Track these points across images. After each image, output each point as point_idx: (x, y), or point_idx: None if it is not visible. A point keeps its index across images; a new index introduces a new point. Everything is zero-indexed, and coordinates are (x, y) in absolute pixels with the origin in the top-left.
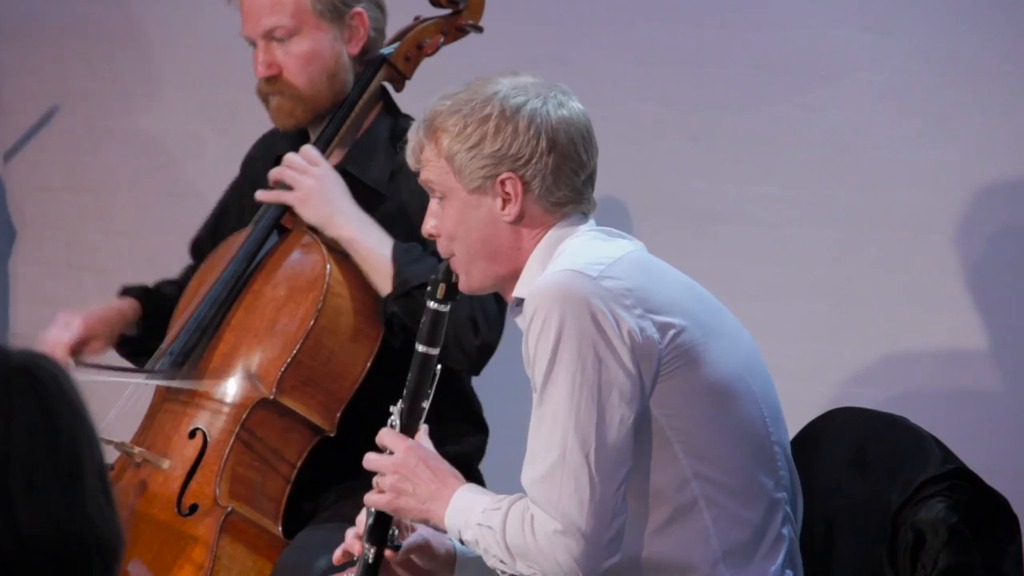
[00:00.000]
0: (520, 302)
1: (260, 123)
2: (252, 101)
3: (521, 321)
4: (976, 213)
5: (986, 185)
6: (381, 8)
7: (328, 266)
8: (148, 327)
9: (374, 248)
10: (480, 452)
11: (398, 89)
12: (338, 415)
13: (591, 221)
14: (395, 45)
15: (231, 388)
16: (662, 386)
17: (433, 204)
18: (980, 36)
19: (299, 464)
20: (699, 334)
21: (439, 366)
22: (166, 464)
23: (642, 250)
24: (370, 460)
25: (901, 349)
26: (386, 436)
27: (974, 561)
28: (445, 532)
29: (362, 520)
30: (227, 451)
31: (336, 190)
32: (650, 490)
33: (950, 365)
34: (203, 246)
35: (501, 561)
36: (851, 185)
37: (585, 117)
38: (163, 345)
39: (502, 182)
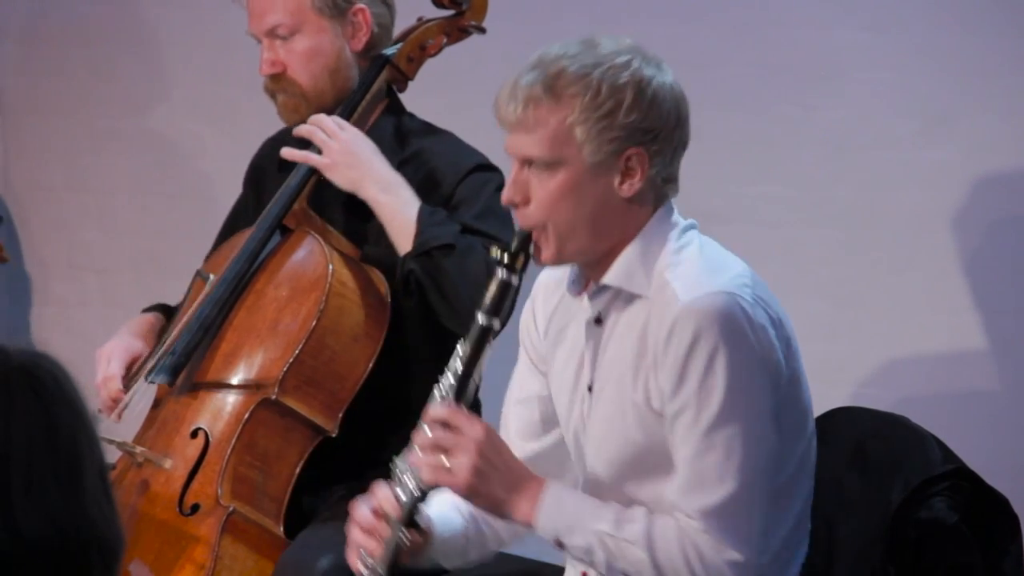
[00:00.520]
0: (603, 288)
1: (262, 123)
2: (254, 101)
3: (598, 304)
4: (976, 213)
5: (986, 185)
6: (387, 4)
7: (330, 266)
8: None
9: (400, 209)
10: None
11: (401, 90)
12: (340, 415)
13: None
14: (398, 46)
15: (233, 388)
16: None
17: (521, 171)
18: (980, 36)
19: (301, 464)
20: (795, 385)
21: (492, 346)
22: (168, 464)
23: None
24: (439, 435)
25: (901, 349)
26: (450, 412)
27: (974, 561)
28: (520, 524)
29: (389, 499)
30: (229, 451)
31: (365, 151)
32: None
33: (950, 365)
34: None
35: (627, 575)
36: (851, 185)
37: None
38: (166, 345)
39: (628, 157)
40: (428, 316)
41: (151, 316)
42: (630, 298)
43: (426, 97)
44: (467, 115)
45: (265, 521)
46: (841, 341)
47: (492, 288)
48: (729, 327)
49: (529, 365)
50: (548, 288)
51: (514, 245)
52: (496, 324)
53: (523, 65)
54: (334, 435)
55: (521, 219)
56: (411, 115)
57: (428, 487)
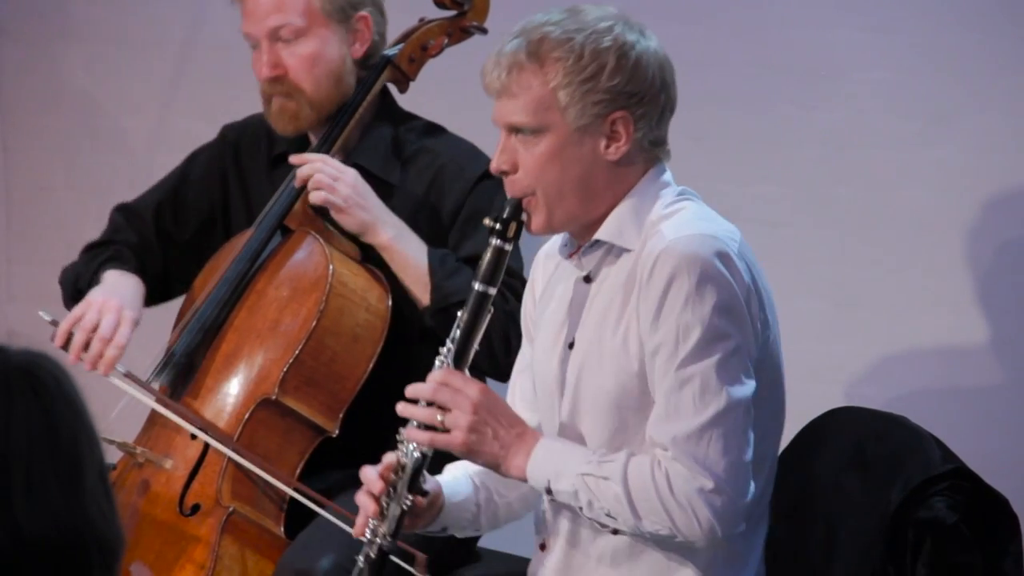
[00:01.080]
0: (595, 243)
1: None
2: (253, 101)
3: (588, 262)
4: (976, 212)
5: (986, 185)
6: (382, 13)
7: (331, 266)
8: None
9: (413, 257)
10: None
11: (402, 90)
12: (341, 416)
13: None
14: (399, 47)
15: (233, 388)
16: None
17: (508, 140)
18: (980, 36)
19: (301, 464)
20: (775, 333)
21: (490, 312)
22: (168, 464)
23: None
24: (437, 396)
25: (901, 349)
26: (451, 375)
27: (974, 560)
28: (516, 479)
29: (391, 463)
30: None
31: (369, 195)
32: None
33: (950, 365)
34: (163, 216)
35: (608, 515)
36: (851, 185)
37: None
38: (167, 346)
39: (613, 121)
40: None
41: (139, 282)
42: (620, 253)
43: (427, 98)
44: (468, 115)
45: (265, 521)
46: (841, 341)
47: (487, 256)
48: (708, 267)
49: (527, 333)
50: (547, 256)
51: (506, 212)
52: (492, 291)
53: (508, 34)
54: (335, 435)
55: (510, 187)
56: (412, 116)
57: (429, 449)
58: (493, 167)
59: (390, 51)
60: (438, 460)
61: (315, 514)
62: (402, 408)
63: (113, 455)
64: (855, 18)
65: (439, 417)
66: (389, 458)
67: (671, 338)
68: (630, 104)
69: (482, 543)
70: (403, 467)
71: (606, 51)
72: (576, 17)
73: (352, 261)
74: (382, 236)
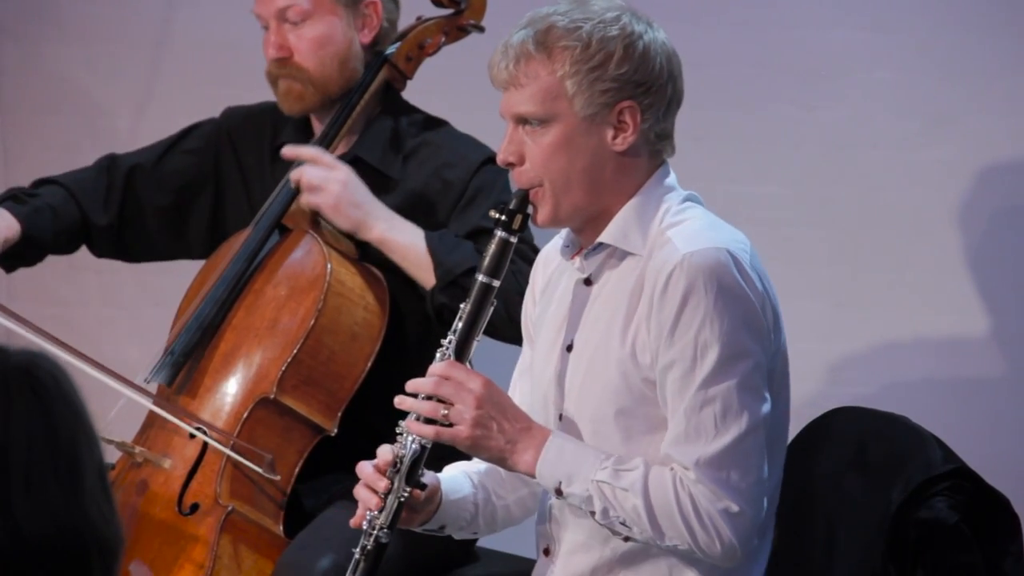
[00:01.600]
0: (599, 246)
1: None
2: (253, 100)
3: (590, 264)
4: (976, 212)
5: (986, 184)
6: (395, 2)
7: (329, 265)
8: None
9: (410, 244)
10: None
11: (399, 89)
12: (339, 414)
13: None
14: (397, 45)
15: (232, 387)
16: None
17: (516, 131)
18: (980, 36)
19: (300, 463)
20: (783, 341)
21: (493, 304)
22: (167, 464)
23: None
24: (439, 390)
25: (901, 348)
26: (452, 368)
27: (975, 560)
28: (524, 474)
29: (387, 458)
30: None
31: (361, 191)
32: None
33: (950, 364)
34: (138, 176)
35: (623, 524)
36: (851, 185)
37: None
38: (165, 344)
39: (620, 111)
40: (427, 315)
41: (13, 223)
42: (623, 256)
43: (424, 96)
44: (466, 114)
45: (264, 520)
46: (841, 341)
47: (492, 248)
48: (726, 281)
49: (527, 335)
50: (548, 257)
51: (512, 204)
52: (496, 284)
53: (515, 25)
54: (334, 434)
55: (517, 178)
56: (413, 110)
57: (429, 442)
58: (500, 159)
59: (387, 50)
60: (439, 459)
61: (315, 514)
62: (400, 401)
63: (111, 455)
64: (855, 18)
65: (443, 411)
66: (385, 450)
67: (688, 355)
68: (637, 94)
69: (481, 543)
70: (401, 459)
71: (613, 40)
72: (583, 7)
73: (350, 260)
74: (375, 231)
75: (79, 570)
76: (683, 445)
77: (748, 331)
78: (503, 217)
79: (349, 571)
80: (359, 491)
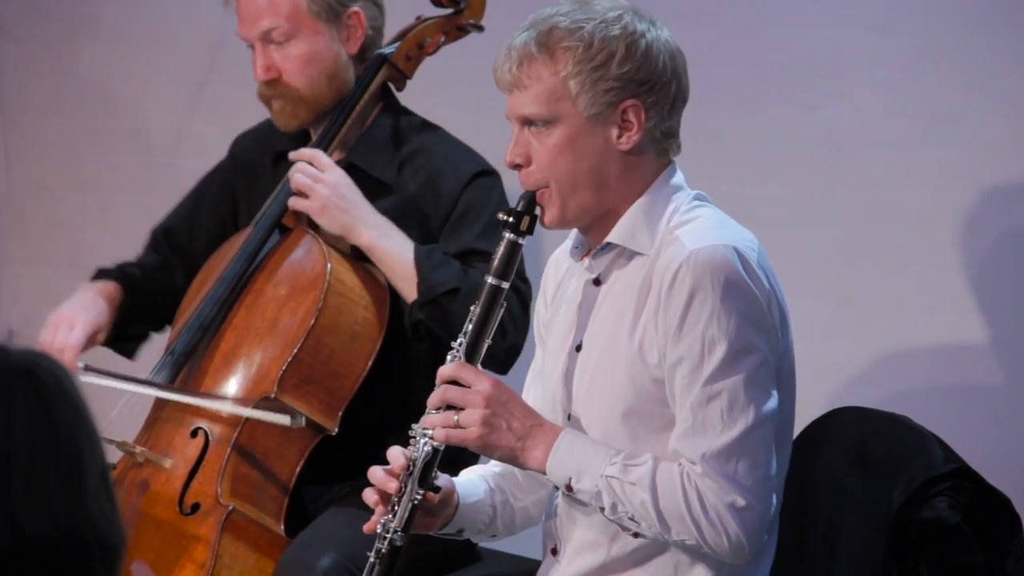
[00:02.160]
0: (607, 246)
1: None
2: (253, 100)
3: (599, 264)
4: (976, 212)
5: (986, 185)
6: (379, 7)
7: (329, 265)
8: (129, 312)
9: (397, 254)
10: None
11: (399, 88)
12: (340, 413)
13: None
14: (396, 44)
15: (233, 387)
16: None
17: (521, 133)
18: (980, 36)
19: (301, 463)
20: (790, 340)
21: (503, 306)
22: (168, 463)
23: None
24: (448, 392)
25: (902, 348)
26: (462, 369)
27: (976, 560)
28: (535, 471)
29: (400, 462)
30: (228, 450)
31: (351, 195)
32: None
33: (951, 364)
34: (179, 236)
35: (632, 519)
36: (851, 185)
37: None
38: (166, 344)
39: (624, 109)
40: None
41: (111, 286)
42: (632, 256)
43: (424, 96)
44: (465, 114)
45: (265, 520)
46: (841, 341)
47: (500, 250)
48: (732, 278)
49: (539, 338)
50: (559, 261)
51: (520, 206)
52: (505, 285)
53: (518, 27)
54: (334, 433)
55: (524, 180)
56: (409, 112)
57: (441, 445)
58: (507, 161)
59: (386, 49)
60: (453, 463)
61: (316, 513)
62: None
63: (113, 455)
64: (856, 18)
65: (454, 418)
66: (397, 453)
67: (695, 351)
68: (641, 92)
69: (483, 543)
70: (414, 462)
71: (615, 39)
72: (585, 8)
73: (351, 259)
74: (363, 237)
75: (81, 570)
76: (690, 439)
77: (754, 327)
78: (511, 219)
79: (364, 574)
80: (369, 495)
